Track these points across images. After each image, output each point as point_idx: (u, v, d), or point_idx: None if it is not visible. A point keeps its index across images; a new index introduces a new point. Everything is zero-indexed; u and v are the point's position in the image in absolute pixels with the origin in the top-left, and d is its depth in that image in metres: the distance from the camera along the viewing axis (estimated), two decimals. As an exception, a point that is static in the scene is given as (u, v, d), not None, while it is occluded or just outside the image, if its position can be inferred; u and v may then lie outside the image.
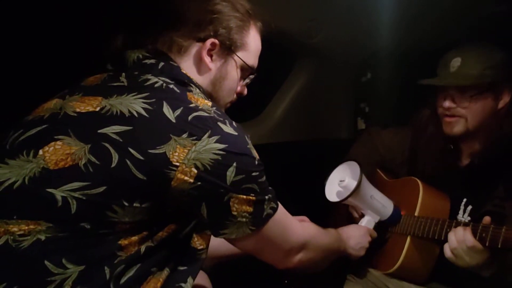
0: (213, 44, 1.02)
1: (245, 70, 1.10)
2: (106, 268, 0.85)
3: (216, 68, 1.05)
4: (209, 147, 0.87)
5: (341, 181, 1.46)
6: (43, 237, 0.82)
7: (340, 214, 1.68)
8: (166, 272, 0.95)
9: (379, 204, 1.47)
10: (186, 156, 0.86)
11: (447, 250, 1.28)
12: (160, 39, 1.03)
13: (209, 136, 0.88)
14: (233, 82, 1.09)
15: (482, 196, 1.40)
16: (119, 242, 0.87)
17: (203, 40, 1.02)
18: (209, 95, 1.05)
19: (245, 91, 1.16)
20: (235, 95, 1.13)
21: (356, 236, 1.41)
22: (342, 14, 1.75)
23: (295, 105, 2.13)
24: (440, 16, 1.79)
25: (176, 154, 0.86)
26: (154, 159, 0.85)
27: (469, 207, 1.44)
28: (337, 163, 1.50)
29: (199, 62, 1.03)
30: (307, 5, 1.66)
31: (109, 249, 0.87)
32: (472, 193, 1.44)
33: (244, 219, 0.95)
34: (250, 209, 0.94)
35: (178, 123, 0.88)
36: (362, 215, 1.52)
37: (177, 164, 0.86)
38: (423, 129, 1.57)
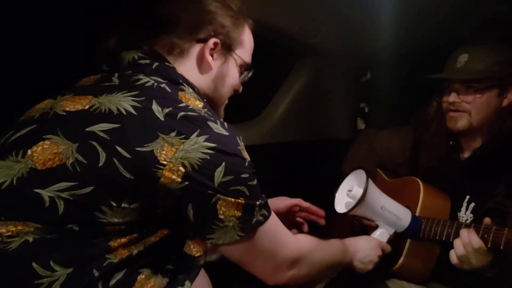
0: (215, 43, 1.03)
1: (242, 66, 1.12)
2: (94, 270, 0.84)
3: (217, 67, 1.06)
4: (198, 146, 0.86)
5: (349, 190, 1.37)
6: (31, 239, 0.81)
7: (353, 227, 1.64)
8: (160, 278, 0.93)
9: (392, 216, 1.36)
10: (174, 155, 0.84)
11: (453, 257, 1.25)
12: (158, 42, 1.02)
13: (198, 135, 0.87)
14: (234, 79, 1.10)
15: (484, 194, 1.40)
16: (109, 243, 0.86)
17: (203, 41, 1.03)
18: (209, 94, 1.06)
19: (241, 88, 1.16)
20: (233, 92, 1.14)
21: (365, 249, 1.30)
22: (343, 14, 1.75)
23: (295, 105, 2.13)
24: (440, 16, 1.79)
25: (164, 152, 0.84)
26: (141, 158, 0.83)
27: (472, 204, 1.43)
28: (337, 163, 1.49)
29: (200, 62, 1.04)
30: (308, 5, 1.66)
31: (98, 251, 0.85)
32: (474, 190, 1.44)
33: (231, 224, 0.91)
34: (238, 213, 0.91)
35: (167, 121, 0.87)
36: (376, 227, 1.41)
37: (164, 162, 0.84)
38: (427, 125, 1.57)
